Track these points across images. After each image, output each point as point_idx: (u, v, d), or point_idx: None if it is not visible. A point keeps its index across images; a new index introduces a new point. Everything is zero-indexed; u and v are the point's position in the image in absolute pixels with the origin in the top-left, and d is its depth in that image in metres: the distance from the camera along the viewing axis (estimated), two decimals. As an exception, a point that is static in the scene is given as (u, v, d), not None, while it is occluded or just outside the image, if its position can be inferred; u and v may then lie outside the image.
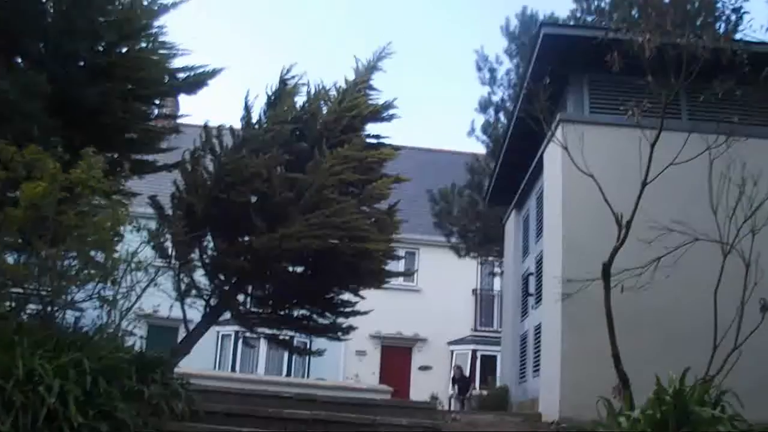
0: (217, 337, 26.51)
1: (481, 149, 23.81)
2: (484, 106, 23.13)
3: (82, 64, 10.25)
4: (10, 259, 8.33)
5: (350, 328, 13.19)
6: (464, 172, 23.78)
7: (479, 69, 23.21)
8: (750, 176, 8.34)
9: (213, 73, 11.68)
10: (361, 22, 75.96)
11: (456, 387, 24.46)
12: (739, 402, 6.66)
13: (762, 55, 9.10)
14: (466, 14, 73.63)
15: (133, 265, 8.80)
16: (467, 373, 26.38)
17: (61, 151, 8.03)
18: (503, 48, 23.10)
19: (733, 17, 9.33)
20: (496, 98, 23.11)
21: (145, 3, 10.96)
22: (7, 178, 7.68)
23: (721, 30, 9.29)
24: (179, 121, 13.69)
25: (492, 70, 23.09)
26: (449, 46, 74.31)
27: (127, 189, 11.27)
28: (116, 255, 8.64)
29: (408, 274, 23.92)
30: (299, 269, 12.67)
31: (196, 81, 11.63)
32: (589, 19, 20.69)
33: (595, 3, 20.99)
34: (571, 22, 20.18)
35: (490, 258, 24.71)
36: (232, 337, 26.50)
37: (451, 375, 25.37)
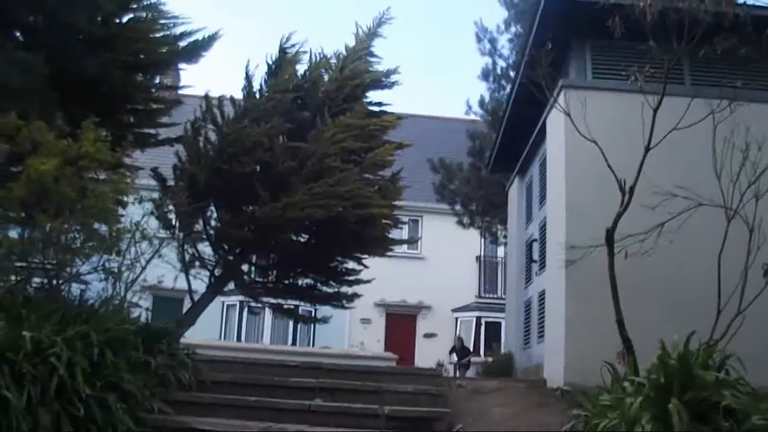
0: (222, 307, 26.62)
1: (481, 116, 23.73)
2: (485, 75, 23.03)
3: (80, 36, 10.20)
4: (13, 234, 8.36)
5: (355, 296, 13.24)
6: (466, 139, 23.68)
7: (479, 40, 23.05)
8: (754, 141, 8.31)
9: (212, 39, 11.67)
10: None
11: (455, 356, 24.42)
12: (742, 366, 6.68)
13: (765, 19, 9.04)
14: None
15: (137, 236, 8.83)
16: (470, 344, 26.48)
17: (62, 125, 8.04)
18: (503, 18, 22.92)
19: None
20: (497, 67, 23.02)
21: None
22: (12, 152, 7.68)
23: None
24: (181, 92, 13.66)
25: (492, 41, 22.94)
26: (450, 13, 73.86)
27: (131, 161, 11.27)
28: (120, 226, 8.67)
29: (412, 241, 23.98)
30: (303, 238, 12.70)
31: (196, 48, 11.60)
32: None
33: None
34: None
35: (494, 225, 24.67)
36: (237, 307, 26.63)
37: (453, 345, 25.38)
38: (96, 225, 8.41)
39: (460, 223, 24.13)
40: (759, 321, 7.86)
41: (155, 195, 11.67)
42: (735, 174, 8.22)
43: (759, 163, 8.25)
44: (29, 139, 7.73)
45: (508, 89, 20.83)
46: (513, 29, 22.59)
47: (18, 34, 10.00)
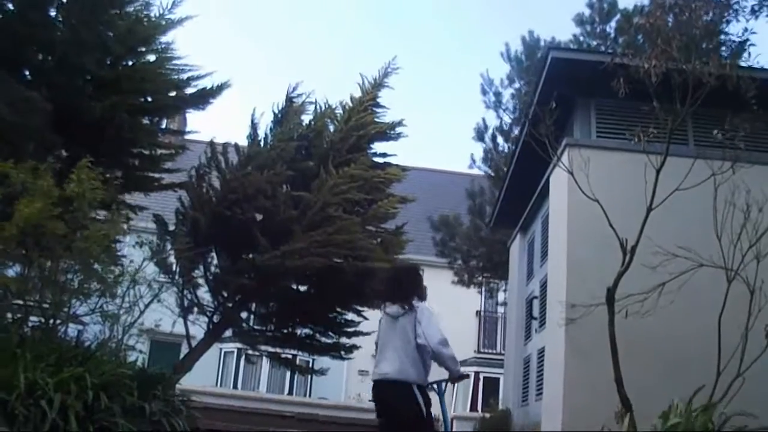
0: (220, 353, 26.46)
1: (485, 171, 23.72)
2: (479, 134, 23.05)
3: (88, 77, 10.28)
4: (11, 272, 8.34)
5: (353, 348, 13.16)
6: (467, 195, 23.71)
7: (484, 92, 23.07)
8: (755, 202, 8.33)
9: (220, 88, 11.72)
10: (367, 42, 76.25)
11: None
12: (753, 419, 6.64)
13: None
14: (471, 39, 73.97)
15: (137, 279, 8.79)
16: (467, 399, 26.09)
17: (58, 166, 8.06)
18: (506, 73, 23.02)
19: (738, 48, 9.35)
20: (499, 122, 23.08)
21: (153, 17, 11.01)
22: (3, 194, 7.69)
23: (726, 56, 9.29)
24: (186, 137, 13.73)
25: (497, 94, 22.97)
26: (451, 70, 74.55)
27: (131, 202, 11.27)
28: (118, 270, 8.64)
29: (413, 295, 23.78)
30: (303, 288, 12.66)
31: (204, 95, 11.66)
32: (593, 43, 20.69)
33: (599, 27, 20.97)
34: (572, 46, 20.22)
35: (494, 281, 24.59)
36: (235, 355, 26.48)
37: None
38: (95, 265, 8.38)
39: (460, 281, 24.05)
40: (760, 382, 7.79)
41: (157, 239, 11.67)
42: (736, 235, 8.22)
43: (760, 225, 8.25)
44: (20, 180, 7.74)
45: (512, 144, 20.92)
46: (516, 84, 22.66)
47: (27, 72, 10.06)
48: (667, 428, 6.39)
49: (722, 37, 9.40)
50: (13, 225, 7.45)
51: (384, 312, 7.27)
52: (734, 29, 9.31)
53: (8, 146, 8.44)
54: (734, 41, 9.29)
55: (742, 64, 9.38)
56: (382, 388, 6.94)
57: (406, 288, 7.25)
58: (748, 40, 9.22)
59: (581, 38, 20.91)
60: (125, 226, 8.84)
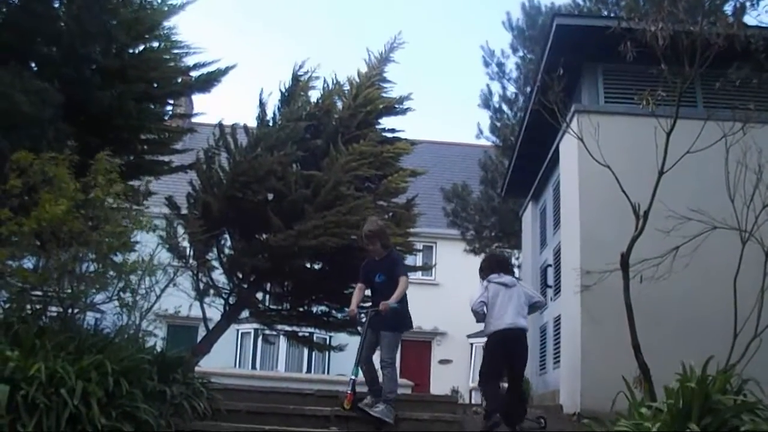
0: (237, 335, 26.58)
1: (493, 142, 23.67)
2: (485, 101, 22.96)
3: (94, 66, 10.28)
4: (29, 264, 8.37)
5: (370, 322, 13.20)
6: (479, 166, 23.67)
7: (486, 64, 22.99)
8: (767, 162, 8.28)
9: (225, 71, 11.73)
10: (371, 17, 75.93)
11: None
12: (760, 390, 6.62)
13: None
14: (472, 10, 73.50)
15: (152, 266, 8.81)
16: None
17: (75, 157, 8.07)
18: (508, 42, 22.91)
19: (747, 3, 9.23)
20: (503, 91, 22.99)
21: (155, 3, 11.00)
22: (24, 185, 7.71)
23: (733, 14, 9.18)
24: (194, 120, 13.73)
25: (500, 65, 22.87)
26: (456, 42, 74.14)
27: (143, 189, 11.29)
28: (133, 258, 8.66)
29: (426, 268, 23.86)
30: (317, 266, 12.68)
31: (209, 79, 11.66)
32: (594, 8, 20.46)
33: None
34: (573, 11, 20.04)
35: (507, 251, 24.55)
36: (252, 335, 26.59)
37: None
38: (116, 257, 8.42)
39: (472, 251, 24.02)
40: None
41: (169, 223, 11.69)
42: (749, 196, 8.17)
43: (772, 185, 8.20)
44: (41, 172, 7.77)
45: (517, 113, 20.82)
46: (520, 53, 22.56)
47: (33, 65, 10.06)
48: (683, 391, 6.38)
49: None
50: (33, 220, 7.48)
51: (495, 282, 9.42)
52: (741, -16, 9.18)
53: (27, 136, 8.45)
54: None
55: (750, 20, 9.25)
56: (511, 332, 9.09)
57: (511, 267, 10.13)
58: (755, -6, 9.10)
59: (581, 2, 20.66)
60: (146, 223, 8.84)
